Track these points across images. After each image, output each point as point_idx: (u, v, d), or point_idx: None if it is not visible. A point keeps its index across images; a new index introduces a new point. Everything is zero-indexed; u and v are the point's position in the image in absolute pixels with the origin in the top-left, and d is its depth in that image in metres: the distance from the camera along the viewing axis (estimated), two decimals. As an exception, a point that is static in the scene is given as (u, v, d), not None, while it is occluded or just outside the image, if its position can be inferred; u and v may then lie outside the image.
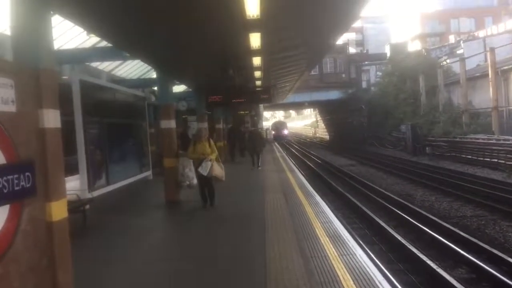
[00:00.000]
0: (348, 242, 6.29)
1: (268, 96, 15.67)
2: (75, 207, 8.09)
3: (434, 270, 7.78)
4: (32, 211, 4.05)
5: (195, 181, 10.88)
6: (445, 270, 7.82)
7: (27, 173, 4.00)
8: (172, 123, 10.47)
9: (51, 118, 4.41)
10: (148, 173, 15.63)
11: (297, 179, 14.50)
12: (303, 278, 4.96)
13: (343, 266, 5.28)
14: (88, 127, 10.75)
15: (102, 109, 11.79)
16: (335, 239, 6.52)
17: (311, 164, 28.15)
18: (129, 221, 9.01)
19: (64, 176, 4.65)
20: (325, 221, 7.76)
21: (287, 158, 24.29)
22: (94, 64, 15.70)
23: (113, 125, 12.58)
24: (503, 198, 13.28)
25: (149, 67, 17.41)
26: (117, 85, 14.00)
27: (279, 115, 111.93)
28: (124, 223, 8.81)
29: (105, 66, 16.43)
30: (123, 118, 13.50)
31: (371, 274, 5.00)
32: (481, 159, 21.64)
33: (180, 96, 22.34)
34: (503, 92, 23.28)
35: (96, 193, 10.70)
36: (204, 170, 9.46)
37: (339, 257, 5.63)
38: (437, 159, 25.72)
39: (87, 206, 9.46)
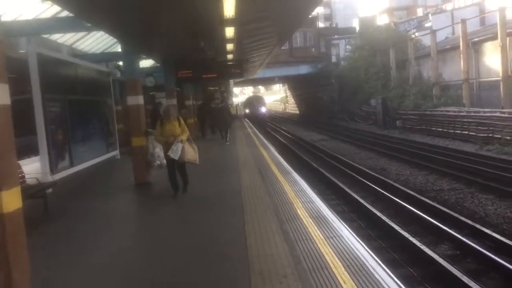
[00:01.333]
0: (333, 223, 5.93)
1: (240, 70, 15.12)
2: (34, 192, 7.43)
3: (417, 246, 7.57)
4: (-24, 203, 3.47)
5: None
6: (428, 247, 7.63)
7: (-32, 159, 3.41)
8: (139, 99, 9.79)
9: (-3, 94, 3.78)
10: (115, 153, 14.93)
11: (271, 155, 14.10)
12: (290, 266, 4.56)
13: (330, 250, 4.90)
14: (48, 105, 10.00)
15: (63, 86, 11.00)
16: (319, 220, 6.14)
17: (283, 140, 27.84)
18: (94, 205, 8.38)
19: (16, 161, 4.04)
20: (306, 200, 7.38)
21: (259, 134, 23.83)
22: (54, 37, 14.69)
23: (76, 103, 11.81)
24: (478, 170, 13.27)
25: (114, 40, 16.49)
26: (78, 60, 13.12)
27: (248, 91, 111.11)
28: (89, 208, 8.18)
29: (66, 39, 15.40)
30: (86, 95, 12.70)
31: (362, 259, 4.63)
32: (452, 131, 21.75)
33: (148, 72, 21.48)
34: (473, 64, 23.32)
35: (59, 176, 10.04)
36: (174, 153, 8.16)
37: (326, 240, 5.25)
38: (407, 133, 25.81)
39: (49, 190, 8.79)
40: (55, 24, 10.30)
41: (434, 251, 7.39)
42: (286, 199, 7.59)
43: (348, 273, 4.28)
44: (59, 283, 4.74)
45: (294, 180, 9.39)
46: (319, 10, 64.91)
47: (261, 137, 21.77)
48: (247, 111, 52.78)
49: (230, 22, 8.57)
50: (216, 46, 11.86)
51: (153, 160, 9.76)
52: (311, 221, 6.12)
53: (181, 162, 8.41)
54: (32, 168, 9.78)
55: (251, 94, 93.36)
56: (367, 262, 4.56)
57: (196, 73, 15.01)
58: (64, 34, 14.58)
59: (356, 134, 28.18)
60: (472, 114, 20.50)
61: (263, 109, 53.34)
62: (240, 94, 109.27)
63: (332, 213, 6.51)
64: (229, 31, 9.97)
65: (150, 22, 8.96)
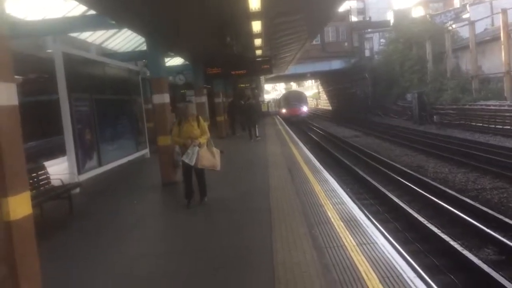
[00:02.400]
0: (367, 228, 5.49)
1: (269, 66, 14.79)
2: (58, 193, 7.30)
3: (458, 251, 7.03)
4: (-20, 210, 3.25)
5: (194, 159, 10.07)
6: (470, 251, 7.08)
7: (-29, 163, 3.19)
8: (165, 98, 9.57)
9: (3, 94, 3.55)
10: (145, 152, 14.86)
11: (302, 152, 13.67)
12: (318, 276, 4.17)
13: (364, 259, 4.48)
14: (74, 104, 9.93)
15: (90, 85, 10.93)
16: (351, 224, 5.72)
17: (314, 137, 27.32)
18: (119, 207, 8.21)
19: (24, 164, 3.81)
20: (337, 201, 6.95)
21: (289, 131, 23.39)
22: (83, 37, 14.69)
23: (104, 102, 11.75)
24: (523, 168, 12.53)
25: (143, 39, 16.38)
26: (106, 58, 13.05)
27: (280, 87, 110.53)
28: (114, 209, 8.00)
29: (95, 38, 15.38)
30: (115, 94, 12.64)
31: (399, 269, 4.20)
32: (493, 126, 20.74)
33: (178, 70, 21.40)
34: (515, 56, 22.17)
35: (86, 176, 9.97)
36: (189, 158, 7.20)
37: (358, 247, 4.83)
38: (445, 128, 24.82)
39: (77, 190, 8.70)
40: (81, 23, 10.17)
41: (477, 256, 6.85)
42: (316, 200, 7.18)
43: (383, 286, 3.86)
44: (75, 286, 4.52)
45: (325, 179, 8.96)
46: (352, 4, 63.66)
47: (292, 134, 21.33)
48: (283, 111, 42.55)
49: (256, 16, 8.21)
50: (243, 41, 11.51)
51: (179, 159, 9.50)
52: (342, 225, 5.70)
53: (199, 168, 7.45)
54: (60, 168, 9.75)
55: (283, 91, 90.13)
56: (405, 273, 4.12)
57: (225, 70, 14.81)
58: (92, 32, 14.55)
59: (391, 130, 27.34)
60: (515, 107, 19.46)
61: (304, 108, 42.70)
62: (272, 91, 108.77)
63: (366, 216, 6.06)
64: (256, 25, 9.61)
65: (175, 17, 8.72)
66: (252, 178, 9.91)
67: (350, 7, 56.54)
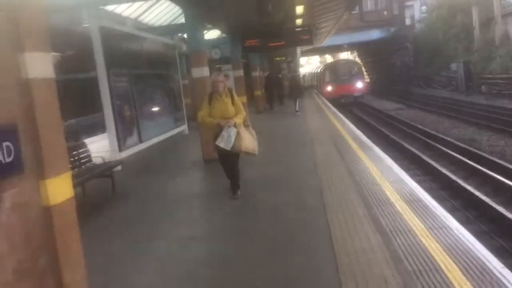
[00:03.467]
0: (435, 210, 4.95)
1: (310, 36, 14.08)
2: (100, 171, 7.07)
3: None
4: (17, 194, 2.92)
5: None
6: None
7: (6, 143, 2.85)
8: (205, 71, 9.14)
9: (38, 65, 3.18)
10: (183, 127, 14.61)
11: (345, 127, 13.05)
12: (389, 266, 3.70)
13: (438, 247, 3.97)
14: (113, 80, 9.66)
15: (128, 60, 10.63)
16: (415, 205, 5.19)
17: (355, 110, 26.46)
18: (162, 184, 7.94)
19: (64, 143, 3.47)
20: (394, 179, 6.40)
21: (328, 104, 22.68)
22: (118, 11, 14.40)
23: (142, 77, 11.46)
24: None
25: (179, 12, 15.97)
26: (143, 32, 12.71)
27: (315, 60, 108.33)
28: (159, 188, 7.73)
29: (131, 12, 15.09)
30: (152, 69, 12.33)
31: (483, 260, 3.67)
32: (548, 95, 19.35)
33: (214, 44, 20.96)
34: None
35: (127, 153, 9.76)
36: (226, 142, 6.04)
37: (429, 232, 4.32)
38: (494, 98, 23.43)
39: (118, 168, 8.49)
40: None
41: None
42: (371, 178, 6.66)
43: (469, 280, 3.35)
44: (121, 273, 4.22)
45: (378, 156, 8.37)
46: (390, -29, 60.96)
47: (331, 107, 20.64)
48: (328, 88, 30.96)
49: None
50: (285, 9, 10.87)
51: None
52: (405, 206, 5.18)
53: (235, 154, 6.31)
54: (101, 145, 9.57)
55: (318, 64, 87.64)
56: (490, 263, 3.60)
57: (263, 42, 14.19)
58: (128, 6, 14.24)
59: (436, 101, 26.09)
60: None
61: (360, 85, 30.50)
62: (306, 64, 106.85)
63: (431, 197, 5.50)
64: (301, -10, 8.98)
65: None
66: (297, 155, 9.44)
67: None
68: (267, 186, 7.06)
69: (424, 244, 4.05)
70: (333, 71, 31.91)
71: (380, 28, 44.36)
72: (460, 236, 4.17)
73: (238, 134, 6.11)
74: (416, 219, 4.70)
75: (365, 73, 66.92)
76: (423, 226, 4.47)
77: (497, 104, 21.14)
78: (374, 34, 44.34)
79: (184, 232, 5.27)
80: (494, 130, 14.94)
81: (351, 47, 55.63)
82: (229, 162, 6.40)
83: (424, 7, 43.18)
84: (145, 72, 11.77)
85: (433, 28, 35.27)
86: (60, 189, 3.28)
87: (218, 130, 6.15)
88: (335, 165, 7.83)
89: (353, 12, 37.53)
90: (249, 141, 6.28)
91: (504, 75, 23.89)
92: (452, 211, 7.85)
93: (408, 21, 46.01)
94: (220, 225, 5.54)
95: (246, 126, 6.51)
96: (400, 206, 5.18)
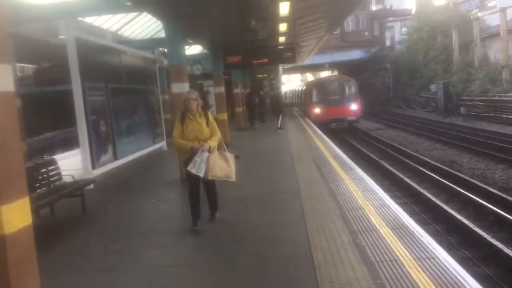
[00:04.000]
0: (421, 238, 4.72)
1: (293, 54, 13.93)
2: (70, 191, 6.67)
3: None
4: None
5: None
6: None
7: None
8: (185, 87, 8.87)
9: (-5, 78, 2.88)
10: (162, 144, 14.25)
11: (327, 145, 12.89)
12: (376, 302, 3.44)
13: (427, 279, 3.73)
14: (88, 94, 9.30)
15: (104, 73, 10.30)
16: (401, 232, 4.96)
17: (335, 129, 26.42)
18: (136, 205, 7.57)
19: (23, 164, 3.14)
20: (379, 204, 6.18)
21: (310, 123, 22.60)
22: (97, 23, 14.08)
23: (119, 91, 11.12)
24: None
25: (161, 26, 15.72)
26: (122, 45, 12.40)
27: (296, 78, 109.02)
28: (132, 208, 7.36)
29: (110, 25, 14.77)
30: (130, 83, 11.99)
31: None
32: (527, 119, 19.62)
33: (195, 59, 20.73)
34: (552, 44, 20.90)
35: (101, 170, 9.37)
36: (198, 168, 5.51)
37: (416, 263, 4.08)
38: (473, 120, 23.75)
39: (91, 186, 8.08)
40: (96, 5, 9.50)
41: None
42: (354, 201, 6.43)
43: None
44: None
45: (359, 177, 8.17)
46: (371, -7, 62.11)
47: (312, 125, 20.55)
48: (315, 110, 24.56)
49: (286, -4, 7.42)
50: (269, 26, 10.72)
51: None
52: (390, 232, 4.95)
53: (208, 180, 5.76)
54: (73, 162, 9.17)
55: (299, 82, 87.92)
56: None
57: (245, 59, 13.99)
58: (108, 19, 13.94)
59: (416, 122, 26.31)
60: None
61: (354, 107, 24.25)
62: (287, 82, 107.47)
63: (416, 223, 5.28)
64: (284, 7, 8.82)
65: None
66: (279, 175, 9.19)
67: (370, -5, 55.12)
68: (247, 208, 6.76)
69: (412, 277, 3.80)
70: (323, 89, 24.92)
71: (361, 49, 44.96)
72: (449, 267, 3.94)
73: (208, 160, 5.55)
74: (403, 247, 4.46)
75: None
76: (410, 256, 4.22)
77: (476, 126, 21.37)
78: (355, 54, 44.88)
79: (158, 260, 4.92)
80: (474, 152, 14.97)
81: (332, 66, 56.22)
82: (205, 185, 5.92)
83: (404, 29, 43.95)
84: (123, 86, 11.45)
85: (413, 50, 35.81)
86: (16, 216, 2.95)
87: (190, 154, 5.59)
88: (318, 186, 7.59)
89: (334, 32, 38.01)
90: (220, 168, 5.65)
91: (483, 97, 24.24)
92: (435, 236, 7.70)
93: (388, 42, 46.78)
94: (196, 251, 5.21)
95: (221, 149, 5.91)
96: (385, 233, 4.94)
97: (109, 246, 5.51)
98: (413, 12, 43.32)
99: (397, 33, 46.15)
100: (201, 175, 5.55)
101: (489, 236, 7.20)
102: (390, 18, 47.75)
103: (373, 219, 5.47)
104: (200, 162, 5.51)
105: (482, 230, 7.59)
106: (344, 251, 4.50)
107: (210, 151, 5.62)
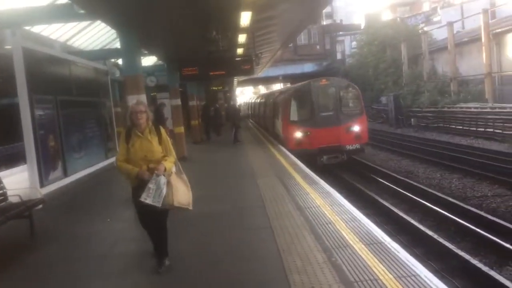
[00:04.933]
0: (397, 254, 4.56)
1: (250, 66, 13.79)
2: (16, 212, 6.09)
3: (480, 269, 6.26)
4: None
5: (173, 168, 8.94)
6: (492, 269, 6.32)
7: None
8: (142, 99, 8.41)
9: None
10: (115, 158, 13.58)
11: (287, 158, 12.73)
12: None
13: (411, 299, 3.54)
14: (36, 107, 8.67)
15: (54, 85, 9.68)
16: (376, 248, 4.78)
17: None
18: (91, 226, 7.02)
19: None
20: (349, 218, 6.00)
21: (264, 132, 22.48)
22: (46, 33, 13.35)
23: (70, 104, 10.49)
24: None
25: (113, 36, 15.15)
26: (72, 56, 11.77)
27: (249, 91, 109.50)
28: (85, 230, 6.82)
29: (60, 35, 14.05)
30: (81, 96, 11.37)
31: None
32: (474, 129, 20.34)
33: (149, 71, 20.17)
34: (495, 57, 21.92)
35: (50, 188, 8.71)
36: (155, 196, 4.49)
37: (398, 282, 3.89)
38: (423, 131, 24.45)
39: (39, 207, 7.45)
40: (46, 13, 8.92)
41: (500, 274, 6.10)
42: (322, 215, 6.22)
43: None
44: None
45: (325, 191, 7.99)
46: (321, 7, 63.46)
47: (270, 138, 20.43)
48: (296, 134, 15.23)
49: (247, 5, 7.21)
50: (229, 36, 10.48)
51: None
52: (365, 249, 4.76)
53: (163, 210, 4.72)
54: (21, 178, 8.49)
55: (252, 94, 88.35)
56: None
57: (202, 71, 13.69)
58: (57, 28, 13.26)
59: (369, 133, 26.73)
60: (497, 110, 19.11)
61: (357, 129, 15.37)
62: (240, 95, 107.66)
63: (389, 238, 5.12)
64: (246, 17, 8.61)
65: (152, 8, 7.63)
66: (241, 190, 8.89)
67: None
68: (209, 228, 6.38)
69: (396, 298, 3.61)
70: (307, 100, 15.54)
71: (313, 62, 45.75)
72: (432, 285, 3.78)
73: (169, 184, 4.58)
74: (381, 265, 4.27)
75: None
76: (390, 275, 4.03)
77: (426, 137, 21.98)
78: (307, 67, 45.59)
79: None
80: (427, 162, 15.29)
81: (285, 78, 56.85)
82: (154, 220, 4.76)
83: (354, 43, 45.13)
84: (73, 98, 10.82)
85: (364, 63, 36.72)
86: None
87: (140, 181, 4.56)
88: (283, 201, 7.35)
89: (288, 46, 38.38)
90: (183, 193, 4.75)
91: (432, 108, 25.04)
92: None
93: (339, 56, 47.93)
94: (160, 282, 4.79)
95: (179, 172, 4.94)
96: (360, 249, 4.75)
97: (58, 275, 5.01)
98: (362, 26, 44.60)
99: (347, 46, 47.42)
100: (159, 205, 4.48)
101: (454, 247, 7.21)
102: (341, 32, 49.00)
103: (345, 235, 5.27)
104: (156, 189, 4.45)
105: (446, 240, 7.62)
106: (320, 271, 4.26)
107: (166, 174, 4.58)
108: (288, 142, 15.30)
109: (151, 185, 4.45)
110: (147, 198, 4.43)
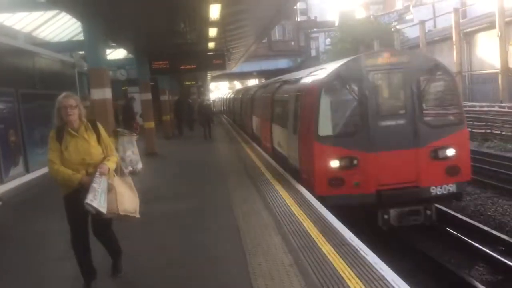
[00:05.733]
0: (366, 257, 4.42)
1: (222, 61, 13.59)
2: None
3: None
4: None
5: (140, 165, 8.69)
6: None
7: None
8: (106, 93, 8.12)
9: None
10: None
11: (257, 153, 12.55)
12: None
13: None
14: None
15: (14, 77, 9.27)
16: (344, 249, 4.65)
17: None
18: (53, 224, 6.69)
19: None
20: (317, 218, 5.86)
21: (238, 129, 22.27)
22: (9, 23, 12.80)
23: (33, 98, 10.09)
24: (489, 170, 12.09)
25: (81, 27, 14.66)
26: (36, 47, 11.32)
27: (224, 86, 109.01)
28: (47, 228, 6.51)
29: (24, 25, 13.50)
30: (45, 89, 10.93)
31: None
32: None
33: (119, 64, 19.70)
34: (465, 56, 22.24)
35: (9, 186, 8.35)
36: (98, 201, 3.74)
37: (365, 287, 3.76)
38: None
39: (-1, 204, 7.11)
40: (6, 1, 8.52)
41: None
42: (291, 215, 6.07)
43: None
44: None
45: (294, 188, 7.84)
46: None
47: (242, 133, 20.25)
48: (331, 164, 7.24)
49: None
50: (198, 29, 10.22)
51: (124, 166, 8.09)
52: (333, 250, 4.62)
53: (107, 221, 4.13)
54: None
55: (227, 90, 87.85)
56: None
57: (173, 64, 13.41)
58: (21, 18, 12.73)
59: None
60: (468, 108, 19.34)
61: (451, 152, 7.32)
62: (215, 90, 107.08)
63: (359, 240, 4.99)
64: (215, 10, 8.37)
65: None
66: (209, 187, 8.67)
67: (296, 7, 56.34)
68: (171, 227, 6.16)
69: (363, 303, 3.47)
70: (355, 94, 7.47)
71: (288, 58, 45.75)
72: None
73: (112, 189, 3.93)
74: (348, 269, 4.14)
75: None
76: (358, 280, 3.90)
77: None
78: (282, 63, 45.54)
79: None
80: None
81: (260, 74, 56.69)
82: (98, 228, 4.14)
83: (328, 40, 45.29)
84: (37, 92, 10.40)
85: (338, 59, 36.83)
86: None
87: (79, 187, 3.85)
88: (252, 199, 7.19)
89: (262, 41, 38.23)
90: (129, 199, 4.10)
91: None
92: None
93: (313, 52, 48.02)
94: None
95: (123, 174, 4.34)
96: (328, 251, 4.61)
97: (11, 277, 4.72)
98: (336, 23, 44.82)
99: (321, 43, 47.48)
100: (105, 211, 3.77)
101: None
102: (315, 29, 49.10)
103: (313, 235, 5.13)
104: (98, 193, 3.72)
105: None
106: (286, 276, 4.10)
107: (108, 176, 3.93)
108: (313, 179, 7.56)
109: (95, 185, 3.73)
110: (93, 200, 3.65)
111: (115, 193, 3.94)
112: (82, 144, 3.94)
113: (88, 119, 4.11)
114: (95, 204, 3.65)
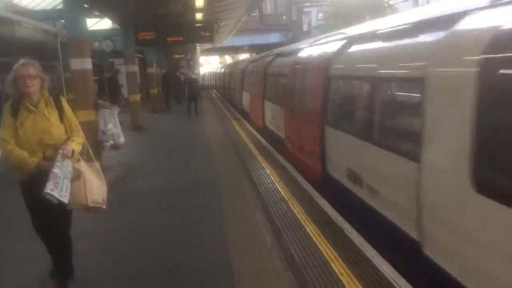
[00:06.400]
0: (350, 236, 4.27)
1: (210, 34, 13.19)
2: None
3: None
4: None
5: (122, 139, 8.40)
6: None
7: None
8: (86, 63, 7.76)
9: None
10: None
11: (246, 131, 12.33)
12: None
13: (359, 286, 3.26)
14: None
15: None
16: (329, 229, 4.49)
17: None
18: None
19: None
20: (302, 196, 5.69)
21: (228, 105, 21.97)
22: (-14, -11, 12.25)
23: (11, 68, 9.66)
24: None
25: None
26: (15, 15, 10.83)
27: (215, 60, 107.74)
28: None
29: (3, -8, 12.94)
30: (25, 59, 10.51)
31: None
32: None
33: (105, 35, 19.10)
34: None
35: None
36: (60, 187, 3.07)
37: (348, 268, 3.61)
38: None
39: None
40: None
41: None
42: (276, 192, 5.89)
43: None
44: None
45: (280, 165, 7.66)
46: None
47: (231, 108, 19.96)
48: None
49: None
50: (183, -1, 9.83)
51: (105, 139, 7.84)
52: (317, 230, 4.44)
53: (67, 213, 3.48)
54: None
55: (218, 64, 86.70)
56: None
57: (159, 36, 13.01)
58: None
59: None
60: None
61: None
62: (206, 64, 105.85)
63: (344, 219, 4.83)
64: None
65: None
66: (195, 163, 8.47)
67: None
68: (156, 203, 5.98)
69: (343, 283, 3.32)
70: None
71: (279, 32, 45.04)
72: (382, 271, 3.51)
73: (80, 176, 3.34)
74: (332, 249, 3.98)
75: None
76: (341, 261, 3.74)
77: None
78: (273, 38, 44.83)
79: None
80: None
81: (251, 48, 55.94)
82: (54, 229, 3.46)
83: (320, 14, 44.63)
84: (16, 61, 9.98)
85: (330, 35, 36.40)
86: None
87: (35, 174, 3.22)
88: (238, 176, 7.00)
89: (252, 14, 37.53)
90: (97, 188, 3.48)
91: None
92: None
93: (305, 27, 47.37)
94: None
95: (90, 158, 3.65)
96: (312, 230, 4.45)
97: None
98: (329, -2, 44.09)
99: (314, 18, 46.80)
100: (66, 201, 3.13)
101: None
102: (307, 4, 48.31)
103: (297, 214, 4.96)
104: (63, 178, 3.13)
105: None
106: (267, 255, 3.94)
107: (73, 159, 3.33)
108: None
109: (57, 170, 3.09)
110: (54, 189, 3.01)
111: (84, 181, 3.35)
112: (40, 121, 3.32)
113: (50, 93, 3.52)
114: (55, 193, 3.01)
